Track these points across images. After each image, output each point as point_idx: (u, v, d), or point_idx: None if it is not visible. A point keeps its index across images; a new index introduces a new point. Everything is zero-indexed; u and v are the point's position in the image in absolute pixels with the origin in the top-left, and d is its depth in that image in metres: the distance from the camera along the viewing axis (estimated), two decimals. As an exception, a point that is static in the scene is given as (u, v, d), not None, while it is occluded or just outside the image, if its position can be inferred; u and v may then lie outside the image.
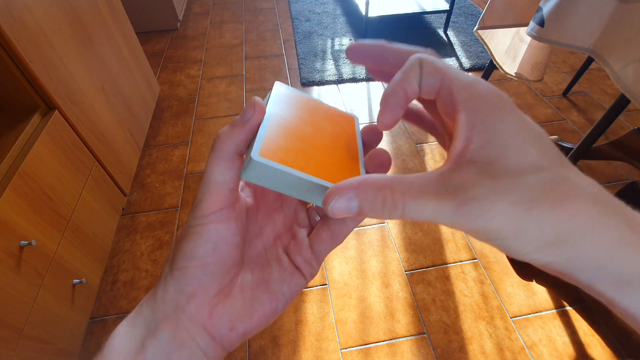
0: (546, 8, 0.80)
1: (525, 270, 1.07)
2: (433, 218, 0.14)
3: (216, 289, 0.19)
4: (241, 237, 0.20)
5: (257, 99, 0.19)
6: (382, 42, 0.19)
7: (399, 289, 1.04)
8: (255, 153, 0.17)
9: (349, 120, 0.23)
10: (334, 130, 0.21)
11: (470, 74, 0.16)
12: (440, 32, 2.11)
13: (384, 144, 1.46)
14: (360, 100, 1.70)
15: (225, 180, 0.18)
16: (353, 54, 0.20)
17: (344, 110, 0.23)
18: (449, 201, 0.13)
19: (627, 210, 0.13)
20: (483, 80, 0.16)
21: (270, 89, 0.21)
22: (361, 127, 0.23)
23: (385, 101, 0.17)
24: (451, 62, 1.85)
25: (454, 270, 1.08)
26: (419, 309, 1.00)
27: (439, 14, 2.25)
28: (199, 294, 0.18)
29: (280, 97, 0.21)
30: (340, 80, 1.80)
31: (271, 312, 0.20)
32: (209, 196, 0.18)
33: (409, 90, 0.17)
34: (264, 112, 0.19)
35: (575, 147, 1.10)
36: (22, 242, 0.73)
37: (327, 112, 0.22)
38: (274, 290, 0.20)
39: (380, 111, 0.17)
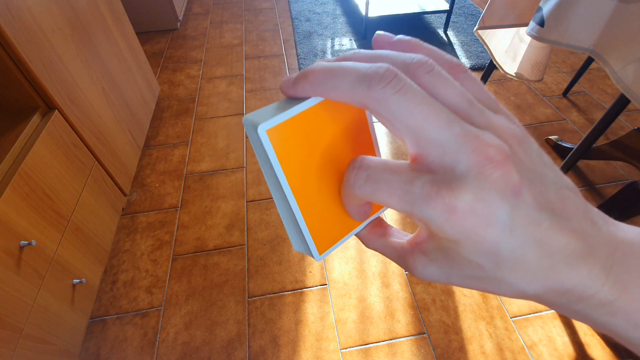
0: (546, 8, 0.80)
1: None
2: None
3: None
4: None
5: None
6: (415, 40, 0.15)
7: (399, 289, 1.04)
8: (266, 124, 0.13)
9: (362, 119, 0.18)
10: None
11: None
12: (440, 32, 2.11)
13: (384, 144, 1.46)
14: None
15: None
16: (378, 45, 0.16)
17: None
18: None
19: None
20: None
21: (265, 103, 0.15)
22: None
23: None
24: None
25: (454, 270, 1.08)
26: (419, 309, 1.00)
27: (439, 14, 2.25)
28: None
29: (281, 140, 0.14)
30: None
31: None
32: None
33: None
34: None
35: (575, 147, 1.10)
36: (22, 242, 0.73)
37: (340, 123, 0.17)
38: None
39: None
